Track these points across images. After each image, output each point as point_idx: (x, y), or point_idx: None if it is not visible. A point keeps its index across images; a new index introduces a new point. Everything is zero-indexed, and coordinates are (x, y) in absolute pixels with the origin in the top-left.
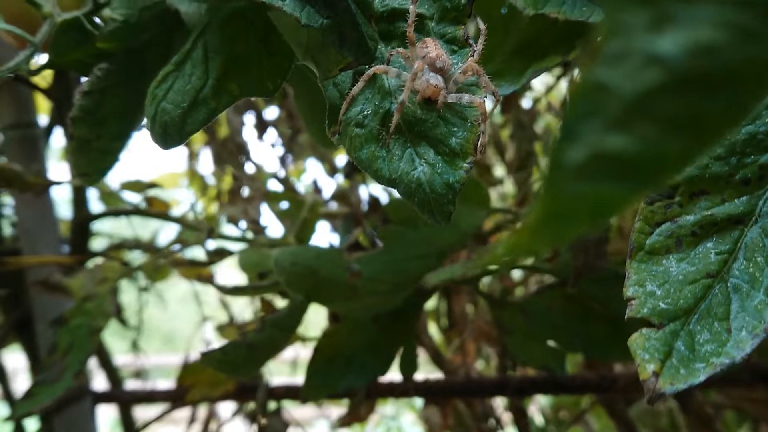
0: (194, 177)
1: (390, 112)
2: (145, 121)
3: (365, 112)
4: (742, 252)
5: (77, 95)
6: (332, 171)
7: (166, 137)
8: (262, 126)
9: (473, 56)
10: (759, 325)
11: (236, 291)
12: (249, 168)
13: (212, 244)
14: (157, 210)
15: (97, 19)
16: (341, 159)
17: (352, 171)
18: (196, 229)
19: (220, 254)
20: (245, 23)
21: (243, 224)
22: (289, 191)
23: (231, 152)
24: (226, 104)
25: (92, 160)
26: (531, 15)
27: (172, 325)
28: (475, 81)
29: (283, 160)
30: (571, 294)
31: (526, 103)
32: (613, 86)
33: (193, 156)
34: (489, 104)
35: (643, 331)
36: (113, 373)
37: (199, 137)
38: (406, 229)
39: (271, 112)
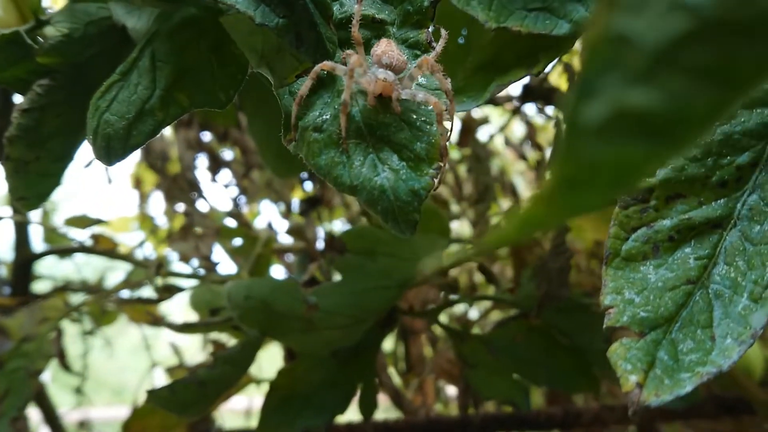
0: (145, 220)
1: (352, 114)
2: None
3: (324, 117)
4: (722, 257)
5: (15, 113)
6: (287, 211)
7: (110, 151)
8: (215, 165)
9: (431, 54)
10: (745, 332)
11: (187, 329)
12: (201, 205)
13: (162, 282)
14: (103, 247)
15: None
16: (299, 192)
17: (308, 208)
18: (145, 266)
19: (170, 291)
20: (196, 32)
21: (194, 262)
22: (243, 227)
23: (182, 189)
24: (174, 116)
25: (30, 183)
26: (493, 29)
27: (121, 376)
28: (435, 85)
29: (236, 202)
30: (534, 325)
31: (482, 135)
32: (634, 36)
33: (143, 199)
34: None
35: (623, 340)
36: (58, 428)
37: (150, 179)
38: (365, 259)
39: (226, 152)
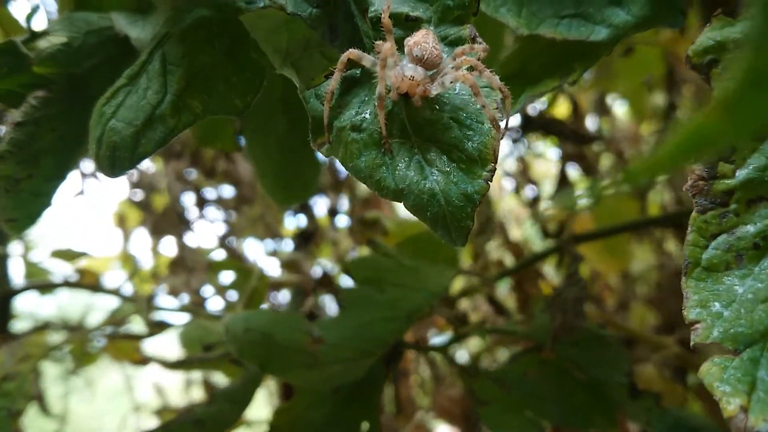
0: (127, 259)
1: (394, 112)
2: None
3: (363, 115)
4: None
5: (8, 127)
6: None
7: (115, 161)
8: (201, 200)
9: (473, 51)
10: None
11: (181, 365)
12: (191, 238)
13: (152, 317)
14: (89, 282)
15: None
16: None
17: (302, 242)
18: (134, 300)
19: (161, 326)
20: (209, 34)
21: (184, 297)
22: (236, 260)
23: (171, 222)
24: (186, 123)
25: (21, 202)
26: (525, 36)
27: (100, 421)
28: (481, 83)
29: (226, 236)
30: (547, 359)
31: None
32: None
33: (126, 237)
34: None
35: (715, 359)
36: None
37: (134, 217)
38: (371, 289)
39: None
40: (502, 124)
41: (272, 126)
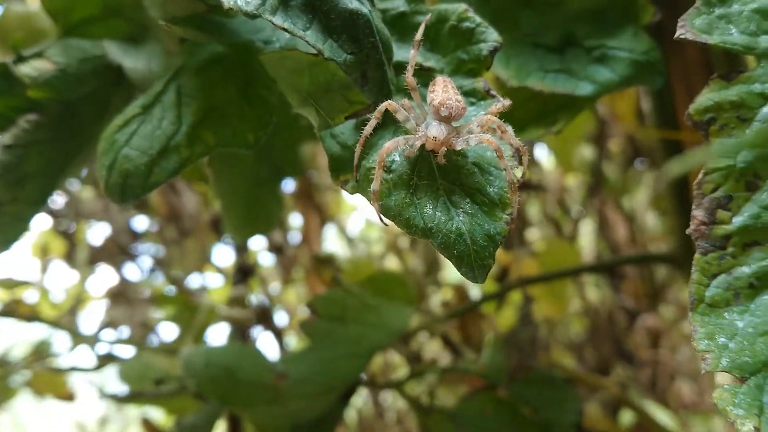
0: (43, 293)
1: (423, 156)
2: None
3: (393, 157)
4: None
5: None
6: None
7: (125, 189)
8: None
9: (496, 106)
10: None
11: (132, 399)
12: (130, 270)
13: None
14: (24, 312)
15: None
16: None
17: (242, 278)
18: (66, 329)
19: (107, 359)
20: (224, 71)
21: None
22: (183, 294)
23: (111, 254)
24: (199, 154)
25: (2, 226)
26: (514, 87)
27: None
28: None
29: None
30: (502, 398)
31: None
32: None
33: (44, 268)
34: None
35: (725, 386)
36: None
37: (57, 246)
38: (335, 325)
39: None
40: (519, 175)
41: (240, 160)
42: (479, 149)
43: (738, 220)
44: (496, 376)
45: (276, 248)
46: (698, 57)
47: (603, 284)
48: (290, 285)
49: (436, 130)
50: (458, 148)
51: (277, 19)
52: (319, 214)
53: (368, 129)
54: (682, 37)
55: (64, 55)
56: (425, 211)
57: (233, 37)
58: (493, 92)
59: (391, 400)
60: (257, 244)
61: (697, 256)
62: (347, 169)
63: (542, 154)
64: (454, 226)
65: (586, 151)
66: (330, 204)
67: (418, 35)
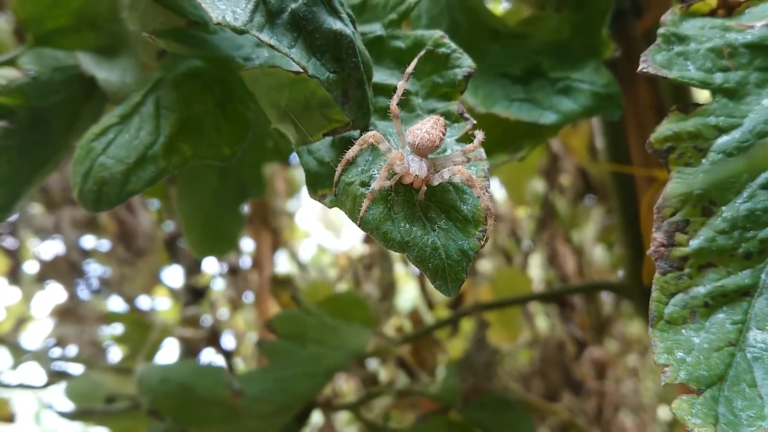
0: None
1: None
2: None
3: (372, 172)
4: (753, 322)
5: None
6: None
7: (101, 196)
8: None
9: (472, 142)
10: None
11: (82, 416)
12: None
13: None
14: None
15: None
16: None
17: (193, 299)
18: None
19: (59, 376)
20: (202, 85)
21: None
22: (135, 313)
23: (61, 271)
24: (176, 165)
25: None
26: (481, 114)
27: None
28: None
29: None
30: (454, 421)
31: None
32: None
33: None
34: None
35: (683, 397)
36: None
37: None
38: (294, 345)
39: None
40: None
41: (204, 178)
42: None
43: (694, 243)
44: (449, 398)
45: (230, 269)
46: (649, 96)
47: (552, 315)
48: (240, 310)
49: (417, 167)
50: (435, 183)
51: (264, 36)
52: (273, 237)
53: (350, 153)
54: (644, 71)
55: (36, 63)
56: (402, 225)
57: (214, 52)
58: (467, 115)
59: (343, 423)
60: (210, 266)
61: (656, 275)
62: (324, 184)
63: (494, 186)
64: (430, 240)
65: (538, 185)
66: (284, 229)
67: (410, 68)
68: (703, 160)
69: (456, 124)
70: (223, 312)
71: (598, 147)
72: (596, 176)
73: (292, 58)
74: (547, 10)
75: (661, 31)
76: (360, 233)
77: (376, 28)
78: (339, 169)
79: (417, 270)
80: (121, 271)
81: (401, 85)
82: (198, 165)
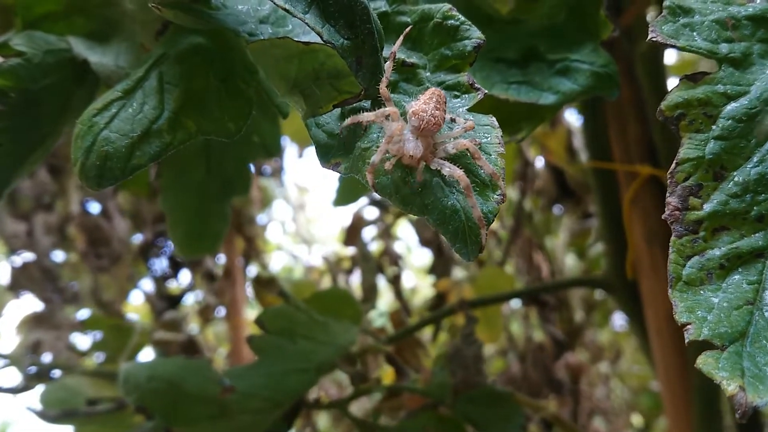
0: None
1: None
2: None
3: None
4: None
5: None
6: None
7: (104, 172)
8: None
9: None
10: None
11: (64, 418)
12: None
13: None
14: None
15: None
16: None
17: (168, 306)
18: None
19: (38, 378)
20: (204, 61)
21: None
22: (114, 316)
23: (33, 278)
24: (181, 140)
25: None
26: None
27: None
28: (483, 121)
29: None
30: (444, 416)
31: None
32: None
33: None
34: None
35: (707, 353)
36: None
37: None
38: (284, 340)
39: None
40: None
41: (190, 173)
42: (470, 134)
43: (708, 207)
44: (439, 393)
45: (207, 275)
46: (630, 96)
47: (529, 318)
48: (211, 323)
49: (413, 147)
50: (432, 167)
51: (279, 1)
52: (247, 246)
53: (364, 118)
54: (654, 39)
55: (28, 45)
56: (422, 189)
57: (220, 26)
58: (477, 85)
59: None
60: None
61: (673, 238)
62: (336, 154)
63: None
64: (450, 203)
65: (511, 192)
66: (257, 238)
67: (397, 44)
68: (713, 126)
69: (466, 95)
70: (193, 327)
71: (576, 148)
72: (573, 178)
73: (306, 23)
74: None
75: (666, 3)
76: (339, 241)
77: (381, 4)
78: (348, 122)
79: (391, 276)
80: (96, 277)
81: (388, 65)
82: (184, 160)
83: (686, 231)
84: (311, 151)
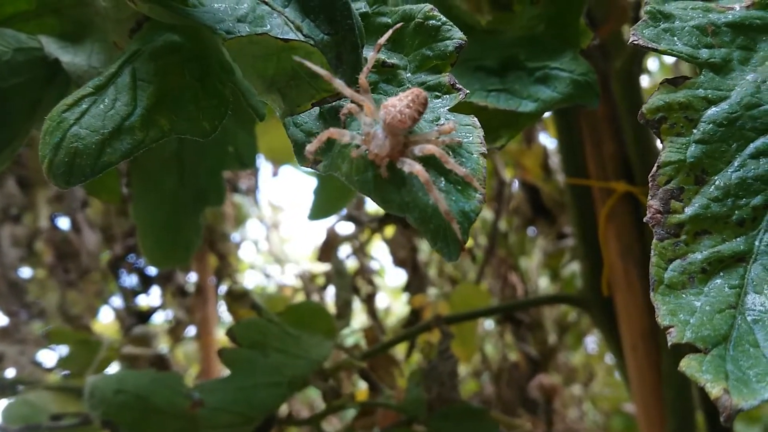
0: None
1: None
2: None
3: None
4: (750, 287)
5: None
6: None
7: (73, 169)
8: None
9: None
10: None
11: None
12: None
13: None
14: None
15: None
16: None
17: (138, 322)
18: None
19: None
20: (180, 58)
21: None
22: (82, 331)
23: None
24: (154, 138)
25: None
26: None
27: None
28: (465, 121)
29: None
30: None
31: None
32: None
33: None
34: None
35: (690, 356)
36: None
37: None
38: (255, 353)
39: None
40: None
41: (163, 181)
42: (452, 134)
43: (689, 210)
44: (414, 410)
45: (179, 290)
46: (605, 112)
47: (502, 336)
48: (180, 343)
49: (379, 145)
50: (398, 167)
51: None
52: (221, 263)
53: (345, 110)
54: (635, 42)
55: None
56: (402, 186)
57: (197, 22)
58: (459, 86)
59: None
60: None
61: (654, 241)
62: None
63: None
64: (431, 201)
65: (486, 212)
66: (230, 255)
67: (384, 38)
68: (694, 130)
69: (447, 95)
70: (163, 347)
71: (552, 167)
72: (549, 196)
73: (286, 17)
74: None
75: (647, 8)
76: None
77: (361, 6)
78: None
79: (365, 295)
80: (63, 292)
81: (372, 56)
82: (156, 167)
83: (668, 234)
84: (285, 170)
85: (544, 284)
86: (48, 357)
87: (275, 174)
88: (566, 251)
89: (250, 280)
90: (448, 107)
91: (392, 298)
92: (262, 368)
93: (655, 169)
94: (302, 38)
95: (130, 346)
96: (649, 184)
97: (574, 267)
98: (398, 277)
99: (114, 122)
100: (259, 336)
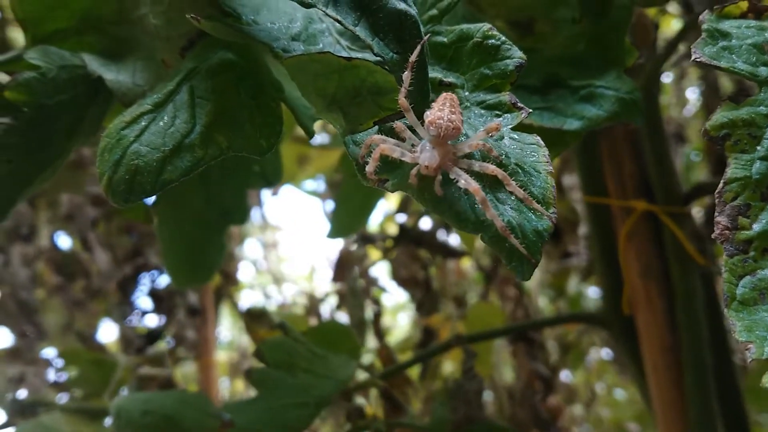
0: None
1: None
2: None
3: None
4: None
5: None
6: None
7: (133, 186)
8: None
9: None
10: None
11: None
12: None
13: None
14: None
15: None
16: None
17: (149, 342)
18: None
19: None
20: (235, 77)
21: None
22: (97, 350)
23: (10, 313)
24: (213, 156)
25: None
26: None
27: None
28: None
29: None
30: None
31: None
32: None
33: None
34: None
35: None
36: None
37: None
38: (284, 373)
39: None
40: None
41: (189, 199)
42: (519, 152)
43: (757, 227)
44: (439, 430)
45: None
46: (624, 134)
47: (516, 356)
48: (180, 363)
49: (429, 157)
50: (451, 177)
51: (330, 11)
52: (227, 280)
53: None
54: (698, 60)
55: (43, 60)
56: (477, 205)
57: (255, 40)
58: (520, 104)
59: None
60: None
61: (724, 257)
62: (380, 172)
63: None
64: (506, 219)
65: None
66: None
67: (413, 56)
68: (758, 147)
69: (509, 114)
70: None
71: (565, 185)
72: (560, 215)
73: (358, 35)
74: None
75: (704, 27)
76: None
77: None
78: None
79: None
80: (72, 311)
81: (406, 76)
82: (181, 186)
83: (737, 251)
84: (285, 189)
85: (542, 303)
86: (59, 377)
87: (275, 193)
88: (572, 270)
89: (247, 300)
90: (510, 126)
91: (392, 318)
92: (289, 388)
93: (721, 185)
94: (371, 57)
95: (146, 367)
96: (716, 201)
97: (576, 286)
98: (395, 296)
99: (174, 140)
100: (286, 356)
